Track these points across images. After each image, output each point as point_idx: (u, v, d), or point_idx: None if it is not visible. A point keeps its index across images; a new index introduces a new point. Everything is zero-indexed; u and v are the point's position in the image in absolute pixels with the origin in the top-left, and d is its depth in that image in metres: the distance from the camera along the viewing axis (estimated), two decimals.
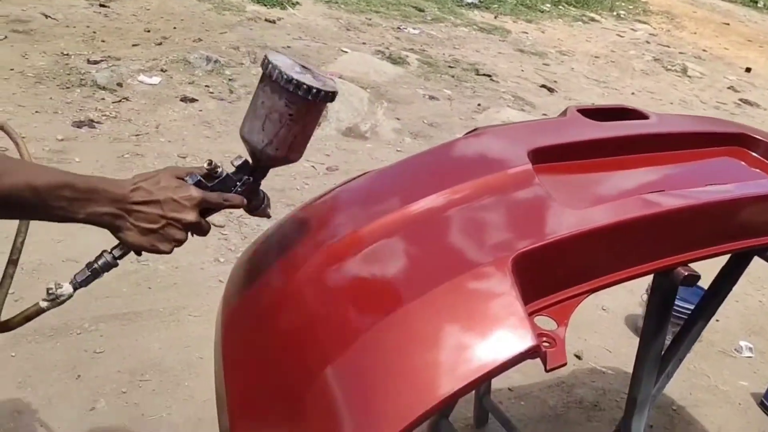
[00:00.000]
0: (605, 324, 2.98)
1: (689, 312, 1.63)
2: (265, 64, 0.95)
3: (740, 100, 7.25)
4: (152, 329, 2.44)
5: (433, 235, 1.13)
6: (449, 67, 6.27)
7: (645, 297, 2.92)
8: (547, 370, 0.97)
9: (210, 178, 0.99)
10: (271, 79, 0.94)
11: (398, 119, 4.91)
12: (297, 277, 1.14)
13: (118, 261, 1.00)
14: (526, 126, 1.56)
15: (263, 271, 1.25)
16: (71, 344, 2.30)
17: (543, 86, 6.31)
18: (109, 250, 1.00)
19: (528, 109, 5.57)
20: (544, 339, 0.99)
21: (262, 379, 1.06)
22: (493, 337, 0.94)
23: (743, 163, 1.51)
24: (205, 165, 0.99)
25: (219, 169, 1.00)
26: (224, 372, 1.12)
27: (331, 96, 0.97)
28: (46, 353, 2.24)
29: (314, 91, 0.94)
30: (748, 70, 8.53)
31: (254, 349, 1.10)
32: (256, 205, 1.08)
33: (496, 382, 2.34)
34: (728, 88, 7.67)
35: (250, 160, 1.04)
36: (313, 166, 4.03)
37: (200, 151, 3.85)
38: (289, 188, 3.71)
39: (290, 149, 1.01)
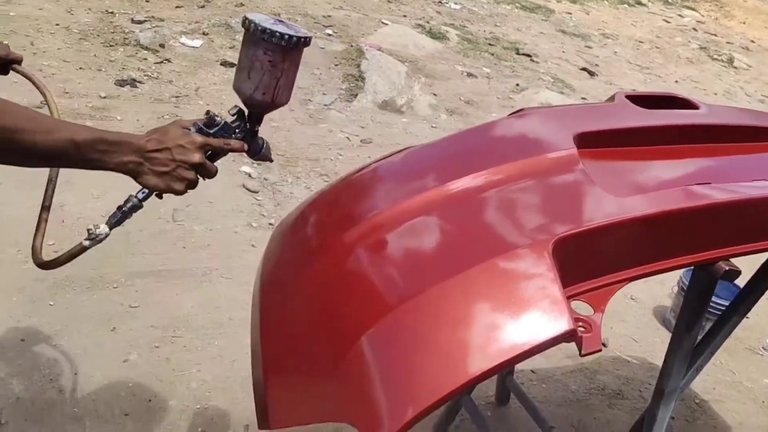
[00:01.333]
0: (633, 313, 2.96)
1: (721, 309, 1.62)
2: (245, 21, 1.08)
3: None
4: (185, 288, 2.50)
5: (473, 214, 1.14)
6: (489, 44, 6.18)
7: (675, 289, 2.89)
8: (581, 355, 0.98)
9: (211, 126, 1.12)
10: (250, 33, 1.07)
11: (435, 95, 4.87)
12: (336, 246, 1.15)
13: (142, 203, 1.15)
14: (573, 109, 1.54)
15: (303, 237, 1.27)
16: (107, 297, 2.36)
17: (584, 69, 6.19)
18: (135, 194, 1.14)
19: (567, 92, 5.48)
20: (580, 324, 0.99)
21: (297, 339, 1.09)
22: (530, 319, 0.95)
23: None
24: (204, 115, 1.13)
25: (217, 118, 1.13)
26: (261, 330, 1.15)
27: (303, 41, 1.09)
28: (82, 304, 2.31)
29: (287, 37, 1.07)
30: None
31: (291, 311, 1.13)
32: (256, 149, 1.19)
33: (520, 364, 2.34)
34: None
35: (245, 109, 1.17)
36: (347, 138, 4.04)
37: None
38: (323, 158, 3.73)
39: (275, 93, 1.13)
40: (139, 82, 3.98)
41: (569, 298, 1.05)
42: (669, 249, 1.17)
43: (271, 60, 1.09)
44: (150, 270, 2.54)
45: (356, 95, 4.52)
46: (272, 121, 4.00)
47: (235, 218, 3.00)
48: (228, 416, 2.01)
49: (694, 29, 8.95)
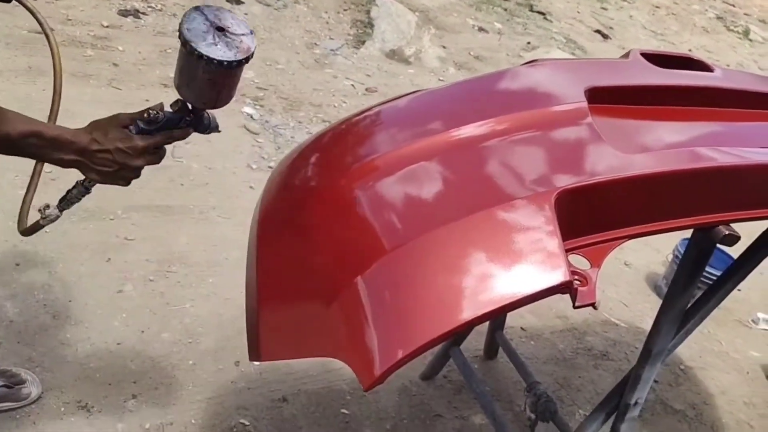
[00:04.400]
0: (625, 278, 2.98)
1: (713, 278, 1.63)
2: (180, 34, 1.00)
3: None
4: (182, 224, 2.50)
5: (477, 162, 1.12)
6: None
7: (670, 257, 2.90)
8: (575, 307, 0.98)
9: (152, 124, 1.08)
10: (187, 52, 1.00)
11: (444, 47, 4.79)
12: (335, 185, 1.14)
13: (89, 189, 1.17)
14: (586, 63, 1.51)
15: (303, 176, 1.25)
16: (103, 228, 2.36)
17: (597, 31, 6.08)
18: (81, 181, 1.16)
19: (579, 53, 5.39)
20: (576, 277, 0.99)
21: (293, 276, 1.09)
22: (527, 268, 0.95)
23: None
24: (144, 116, 1.07)
25: (160, 115, 1.08)
26: (257, 265, 1.15)
27: (244, 61, 1.02)
28: (79, 234, 2.31)
29: (225, 63, 0.99)
30: None
31: (288, 248, 1.13)
32: (203, 128, 1.15)
33: (510, 320, 2.37)
34: None
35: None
36: (352, 85, 3.99)
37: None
38: (326, 104, 3.69)
39: (217, 101, 1.08)
40: (143, 13, 3.89)
41: (567, 251, 1.04)
42: (671, 209, 1.16)
43: (209, 79, 1.02)
44: (147, 204, 2.54)
45: (364, 42, 4.44)
46: (277, 63, 3.94)
47: (235, 159, 2.98)
48: (219, 352, 2.03)
49: None
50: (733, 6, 8.62)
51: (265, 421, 1.87)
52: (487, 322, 2.16)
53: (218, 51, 1.00)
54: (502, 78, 1.33)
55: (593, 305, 0.98)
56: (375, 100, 3.89)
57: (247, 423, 1.85)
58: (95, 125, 1.06)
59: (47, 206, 1.17)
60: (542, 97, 1.23)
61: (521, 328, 2.52)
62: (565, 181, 1.05)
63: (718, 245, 1.22)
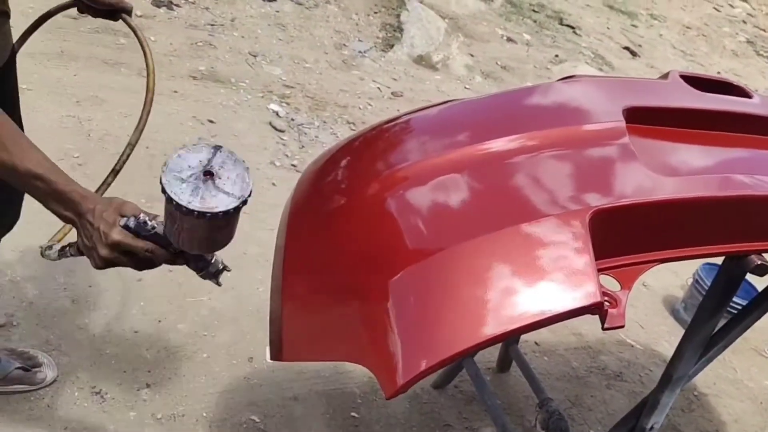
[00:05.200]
0: (643, 300, 2.95)
1: (737, 308, 1.61)
2: (161, 184, 0.90)
3: None
4: None
5: (511, 175, 1.12)
6: (533, 11, 6.02)
7: (690, 281, 2.87)
8: (604, 329, 0.97)
9: (140, 230, 0.99)
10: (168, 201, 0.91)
11: (472, 56, 4.78)
12: (367, 191, 1.14)
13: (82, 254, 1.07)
14: (624, 82, 1.50)
15: (334, 179, 1.26)
16: None
17: (626, 48, 6.03)
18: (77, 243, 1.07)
19: (606, 69, 5.35)
20: (606, 298, 0.98)
21: (321, 278, 1.09)
22: (558, 286, 0.94)
23: None
24: (139, 217, 0.99)
25: (149, 224, 0.99)
26: (284, 264, 1.15)
27: (232, 211, 0.91)
28: None
29: (208, 215, 0.90)
30: None
31: (317, 251, 1.13)
32: (200, 270, 1.08)
33: (525, 335, 2.36)
34: None
35: None
36: (378, 88, 3.99)
37: (271, 52, 3.83)
38: (352, 106, 3.69)
39: (210, 247, 1.00)
40: (176, 5, 3.92)
41: (598, 271, 1.03)
42: (703, 235, 1.15)
43: (185, 227, 0.92)
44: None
45: (392, 46, 4.44)
46: (305, 62, 3.96)
47: (259, 155, 2.98)
48: (233, 346, 2.03)
49: (744, 21, 8.66)
50: (764, 31, 8.54)
51: (275, 419, 1.87)
52: None
53: (198, 201, 0.90)
54: (538, 92, 1.32)
55: (622, 326, 0.98)
56: (400, 105, 3.90)
57: (258, 420, 1.85)
58: (105, 200, 1.02)
59: (49, 247, 1.11)
60: (579, 113, 1.23)
61: (535, 342, 2.50)
62: (599, 200, 1.04)
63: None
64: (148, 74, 1.33)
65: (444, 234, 1.04)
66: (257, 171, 2.87)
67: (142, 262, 1.01)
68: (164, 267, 2.32)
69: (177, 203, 0.89)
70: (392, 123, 1.33)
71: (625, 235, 1.08)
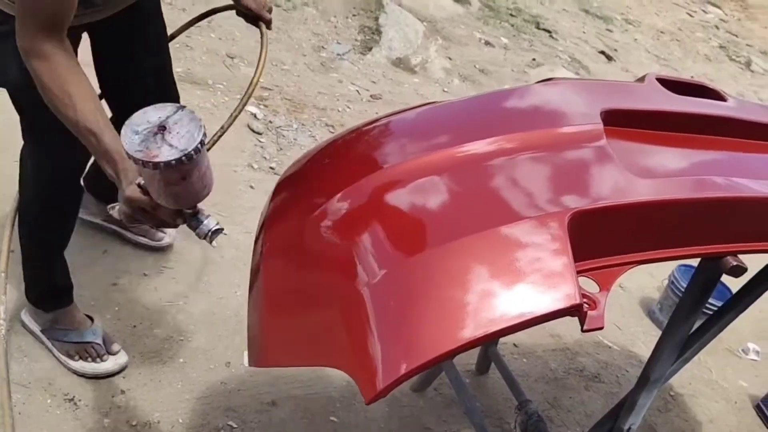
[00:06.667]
0: (620, 301, 2.97)
1: (712, 309, 1.63)
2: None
3: None
4: None
5: (490, 178, 1.12)
6: (510, 15, 6.06)
7: (665, 283, 2.90)
8: (583, 331, 0.97)
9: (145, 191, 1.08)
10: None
11: (450, 59, 4.79)
12: (345, 195, 1.13)
13: None
14: (602, 84, 1.51)
15: (313, 183, 1.24)
16: (99, 229, 2.31)
17: (602, 52, 6.10)
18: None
19: (583, 73, 5.41)
20: (585, 300, 0.98)
21: (300, 282, 1.07)
22: (537, 288, 0.94)
23: None
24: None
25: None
26: (263, 268, 1.14)
27: (174, 163, 0.95)
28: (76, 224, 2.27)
29: (150, 165, 0.94)
30: None
31: (296, 254, 1.11)
32: (194, 228, 1.15)
33: (504, 337, 2.36)
34: None
35: None
36: (357, 91, 3.98)
37: (249, 54, 3.80)
38: (330, 108, 3.67)
39: (175, 202, 1.07)
40: None
41: (577, 273, 1.03)
42: (680, 237, 1.16)
43: (147, 180, 1.00)
44: None
45: (371, 48, 4.43)
46: (283, 64, 3.93)
47: (237, 157, 2.95)
48: (210, 351, 2.01)
49: (716, 27, 8.81)
50: (736, 36, 8.69)
51: (252, 425, 1.85)
52: None
53: (156, 149, 0.95)
54: (517, 95, 1.32)
55: (601, 328, 0.98)
56: (379, 107, 3.90)
57: (235, 425, 1.83)
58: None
59: (113, 207, 1.17)
60: (557, 116, 1.23)
61: (514, 344, 2.51)
62: (578, 202, 1.05)
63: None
64: (257, 68, 1.59)
65: (422, 237, 1.04)
66: (234, 173, 2.84)
67: (153, 218, 1.10)
68: (138, 271, 2.28)
69: (126, 151, 0.94)
70: (371, 126, 1.32)
71: (603, 237, 1.08)
